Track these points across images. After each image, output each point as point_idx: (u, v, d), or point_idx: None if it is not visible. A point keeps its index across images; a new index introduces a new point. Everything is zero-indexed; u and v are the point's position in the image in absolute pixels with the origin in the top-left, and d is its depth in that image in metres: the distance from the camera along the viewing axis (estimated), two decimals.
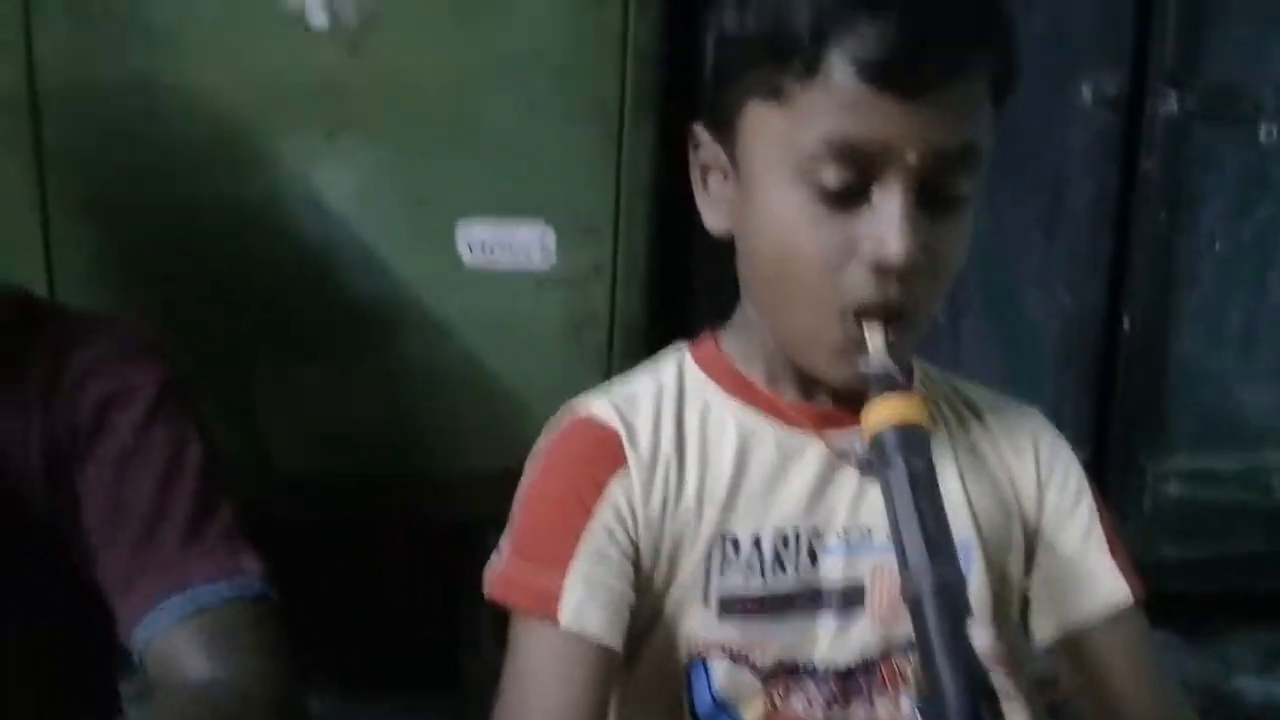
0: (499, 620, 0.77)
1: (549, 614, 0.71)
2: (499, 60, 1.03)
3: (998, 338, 1.43)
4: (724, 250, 0.76)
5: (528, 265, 1.07)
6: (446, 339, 1.08)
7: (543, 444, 0.79)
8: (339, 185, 1.04)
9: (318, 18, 1.00)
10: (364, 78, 1.02)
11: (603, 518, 0.73)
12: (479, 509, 1.12)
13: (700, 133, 0.75)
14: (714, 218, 0.76)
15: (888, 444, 0.67)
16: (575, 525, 0.73)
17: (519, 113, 1.04)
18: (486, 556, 1.08)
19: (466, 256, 1.07)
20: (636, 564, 0.74)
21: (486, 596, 0.76)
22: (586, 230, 1.08)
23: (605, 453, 0.75)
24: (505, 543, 0.77)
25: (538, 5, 1.03)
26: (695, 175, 0.77)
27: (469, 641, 1.21)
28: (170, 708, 0.67)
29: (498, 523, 1.13)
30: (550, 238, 1.07)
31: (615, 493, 0.74)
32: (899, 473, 0.66)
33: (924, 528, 0.64)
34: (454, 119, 1.04)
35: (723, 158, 0.74)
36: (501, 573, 0.75)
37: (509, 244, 1.07)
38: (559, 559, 0.72)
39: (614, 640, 0.72)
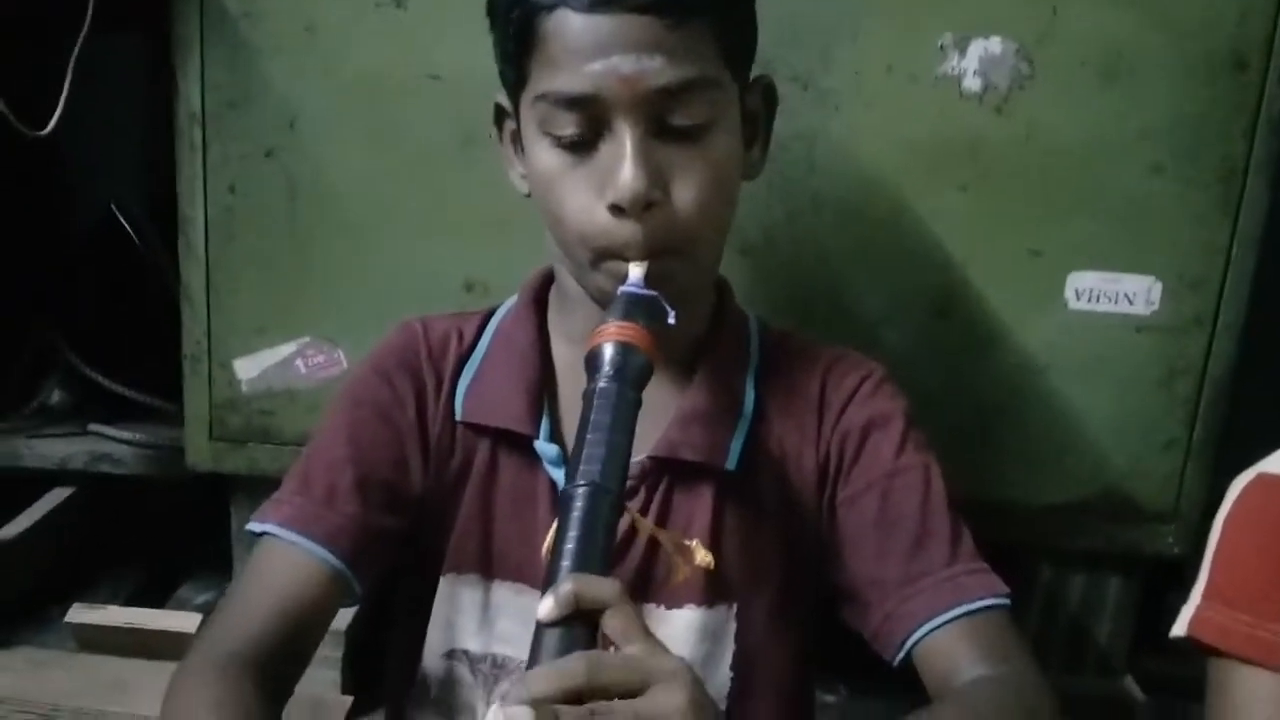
0: None
1: (1272, 663, 0.80)
2: (1133, 126, 1.10)
3: None
4: None
5: (1129, 311, 1.15)
6: (1044, 373, 1.17)
7: (1240, 501, 0.87)
8: (964, 233, 1.14)
9: (972, 83, 1.10)
10: (1004, 137, 1.10)
11: None
12: (1040, 537, 1.23)
13: None
14: None
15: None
16: None
17: (1144, 175, 1.11)
18: (1044, 582, 1.20)
19: (1073, 302, 1.15)
20: None
21: (1185, 635, 0.85)
22: (1192, 284, 1.13)
23: None
24: (1201, 590, 0.86)
25: (1175, 76, 1.08)
26: None
27: None
28: (981, 696, 0.76)
29: (1055, 551, 1.22)
30: (1157, 289, 1.14)
31: None
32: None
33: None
34: (1081, 179, 1.11)
35: None
36: (1207, 617, 0.85)
37: (1115, 293, 1.14)
38: (1274, 612, 0.81)
39: None
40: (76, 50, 1.16)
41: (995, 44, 1.09)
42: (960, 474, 1.12)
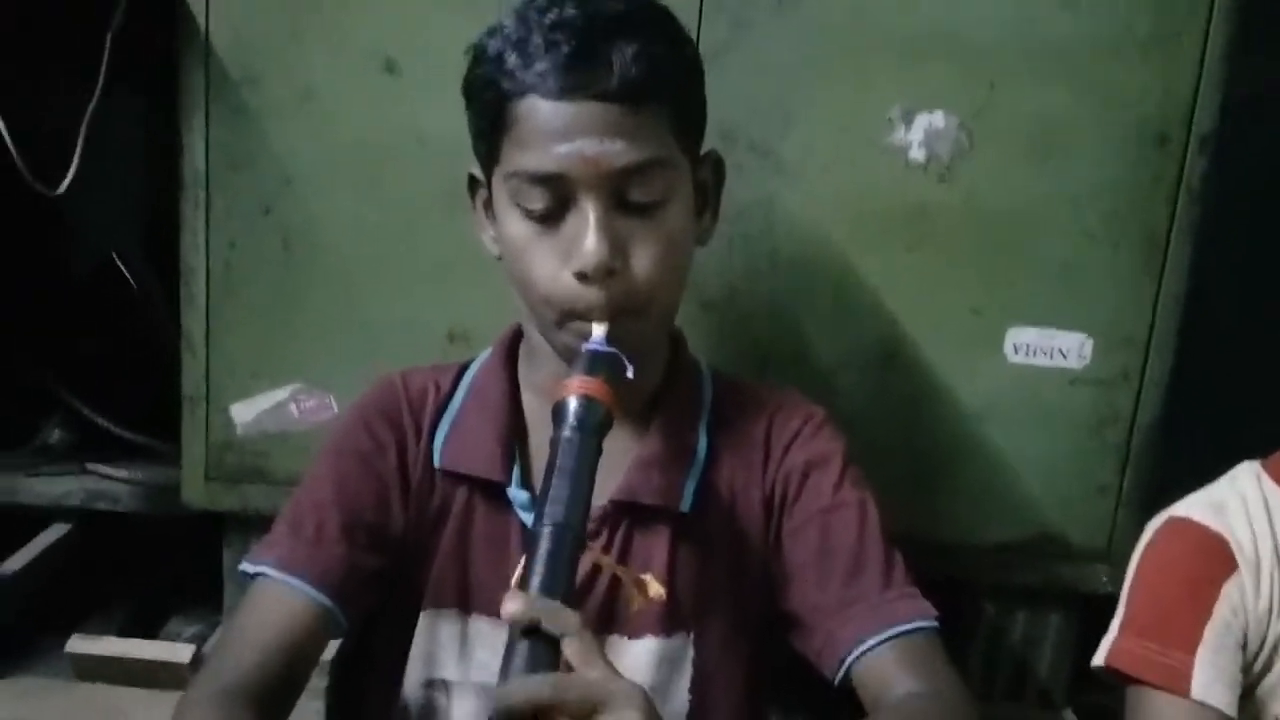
0: None
1: (1180, 689, 0.88)
2: (1065, 194, 1.19)
3: None
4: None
5: (1064, 365, 1.24)
6: (985, 422, 1.26)
7: (1153, 542, 0.96)
8: (910, 290, 1.23)
9: (917, 153, 1.20)
10: (947, 203, 1.19)
11: (1221, 612, 0.90)
12: (983, 574, 1.31)
13: None
14: None
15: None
16: (1200, 616, 0.90)
17: (1076, 240, 1.20)
18: (987, 618, 1.28)
19: (1011, 356, 1.24)
20: (1243, 652, 0.91)
21: (1104, 664, 0.94)
22: (1122, 340, 1.22)
23: (1217, 556, 0.91)
24: (1119, 623, 0.95)
25: (1103, 148, 1.18)
26: None
27: None
28: (907, 710, 0.84)
29: (998, 588, 1.30)
30: (1089, 345, 1.23)
31: (1231, 591, 0.90)
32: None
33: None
34: (1018, 242, 1.20)
35: None
36: (1123, 648, 0.93)
37: (1050, 348, 1.23)
38: (1186, 643, 0.89)
39: (1235, 713, 0.88)
40: (90, 112, 1.24)
41: (939, 117, 1.18)
42: (907, 515, 1.22)
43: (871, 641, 0.88)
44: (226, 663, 0.86)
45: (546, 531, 0.73)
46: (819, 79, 1.19)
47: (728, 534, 0.95)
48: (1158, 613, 0.92)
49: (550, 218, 0.85)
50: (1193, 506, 0.95)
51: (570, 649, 0.69)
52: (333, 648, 1.34)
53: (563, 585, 0.72)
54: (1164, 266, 1.20)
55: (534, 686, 0.66)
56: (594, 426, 0.79)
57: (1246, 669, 0.90)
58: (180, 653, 1.31)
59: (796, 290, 1.24)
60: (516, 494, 0.93)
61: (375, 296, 1.26)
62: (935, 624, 0.90)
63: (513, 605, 0.69)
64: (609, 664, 0.70)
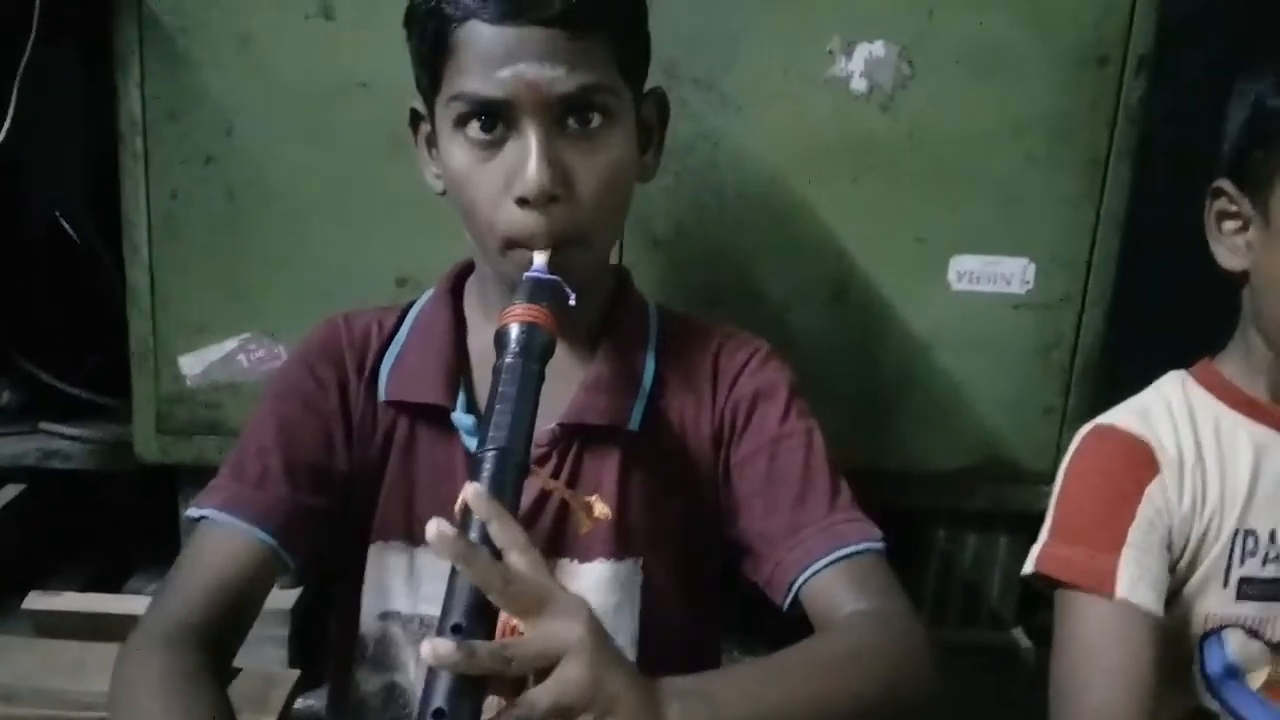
0: None
1: (1105, 589, 0.90)
2: (1006, 119, 1.20)
3: None
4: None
5: (1007, 290, 1.25)
6: (932, 350, 1.27)
7: (1078, 449, 0.98)
8: (856, 222, 1.24)
9: (859, 83, 1.20)
10: (890, 133, 1.20)
11: (1145, 513, 0.92)
12: (935, 501, 1.33)
13: (1224, 185, 0.92)
14: (1229, 258, 0.93)
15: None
16: (1123, 518, 0.92)
17: (1018, 165, 1.21)
18: (939, 544, 1.31)
19: (955, 283, 1.25)
20: (1168, 552, 0.93)
21: (1034, 572, 0.96)
22: (1063, 264, 1.24)
23: (1140, 459, 0.93)
24: (1047, 530, 0.97)
25: (1043, 72, 1.19)
26: (1210, 220, 0.93)
27: None
28: (853, 627, 0.85)
29: (949, 514, 1.32)
30: (1031, 270, 1.24)
31: (1154, 492, 0.92)
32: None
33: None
34: (962, 169, 1.21)
35: (1248, 209, 0.90)
36: (1049, 553, 0.95)
37: (993, 274, 1.24)
38: (1110, 544, 0.91)
39: (1160, 611, 0.90)
40: (23, 63, 1.22)
41: (879, 47, 1.19)
42: (859, 446, 1.24)
43: (818, 564, 0.89)
44: (171, 604, 0.87)
45: (489, 456, 0.74)
46: (759, 13, 1.19)
47: (677, 461, 0.96)
48: (1083, 517, 0.94)
49: (493, 144, 0.85)
50: (1118, 414, 0.97)
51: (516, 562, 0.69)
52: (290, 597, 1.35)
53: (507, 509, 0.73)
54: (1104, 189, 1.22)
55: (485, 567, 0.66)
56: (536, 352, 0.79)
57: (1172, 568, 0.92)
58: (139, 605, 1.29)
59: (744, 225, 1.24)
60: (461, 419, 0.93)
61: (321, 243, 1.26)
62: (880, 545, 0.91)
63: (466, 494, 0.69)
64: (554, 578, 0.71)
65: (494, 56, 0.83)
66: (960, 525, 1.36)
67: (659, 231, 1.24)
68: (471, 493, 0.70)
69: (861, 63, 1.19)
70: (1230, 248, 0.93)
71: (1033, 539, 0.98)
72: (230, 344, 1.29)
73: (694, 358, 0.98)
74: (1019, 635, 1.36)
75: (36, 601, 1.32)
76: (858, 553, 0.90)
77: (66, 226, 1.59)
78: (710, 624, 1.04)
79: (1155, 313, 1.41)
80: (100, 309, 1.47)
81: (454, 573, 0.69)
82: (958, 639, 1.35)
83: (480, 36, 0.83)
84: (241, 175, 1.24)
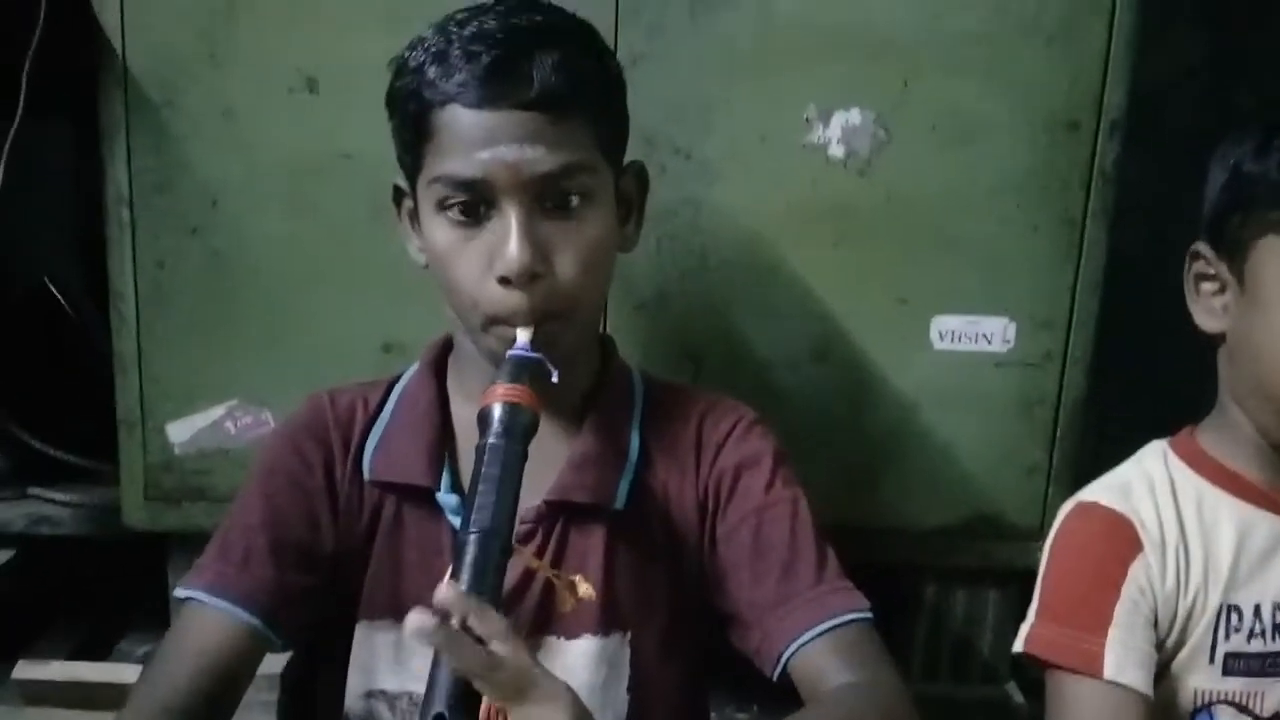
0: None
1: (1093, 671, 0.91)
2: (982, 183, 1.22)
3: None
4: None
5: (989, 349, 1.26)
6: (916, 409, 1.28)
7: (1061, 528, 0.99)
8: (838, 284, 1.25)
9: (836, 150, 1.22)
10: (869, 197, 1.22)
11: (1129, 592, 0.92)
12: (923, 558, 1.34)
13: (1202, 248, 0.93)
14: (1207, 319, 0.94)
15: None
16: (1108, 598, 0.92)
17: (995, 227, 1.23)
18: (929, 600, 1.31)
19: (938, 343, 1.26)
20: (1154, 629, 0.93)
21: (1023, 653, 0.96)
22: (1043, 322, 1.25)
23: (1123, 537, 0.94)
24: (1034, 609, 0.97)
25: (1016, 136, 1.21)
26: (1189, 282, 0.95)
27: None
28: (841, 701, 0.85)
29: (938, 570, 1.33)
30: (1012, 329, 1.25)
31: (1137, 571, 0.92)
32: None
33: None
34: (940, 231, 1.23)
35: (1225, 273, 0.91)
36: (1038, 634, 0.95)
37: (975, 333, 1.26)
38: (1096, 625, 0.92)
39: (1150, 691, 0.91)
40: (11, 136, 1.24)
41: (855, 115, 1.21)
42: (845, 505, 1.24)
43: (806, 636, 0.89)
44: (159, 685, 0.87)
45: (473, 538, 0.75)
46: (736, 82, 1.20)
47: (663, 534, 0.96)
48: (1068, 597, 0.95)
49: (473, 223, 0.87)
50: (1099, 490, 0.98)
51: (499, 650, 0.70)
52: (284, 661, 1.35)
53: (489, 592, 0.73)
54: (1081, 249, 1.23)
55: (469, 655, 0.67)
56: (519, 432, 0.80)
57: (1159, 646, 0.93)
58: (127, 674, 1.30)
59: (726, 290, 1.25)
60: (446, 499, 0.94)
61: (307, 312, 1.27)
62: (868, 615, 0.92)
63: (441, 595, 0.70)
64: (538, 662, 0.72)
65: (474, 140, 0.84)
66: (949, 581, 1.36)
67: (642, 296, 1.25)
68: (448, 593, 0.70)
69: (838, 130, 1.21)
70: (1207, 309, 0.94)
71: (1023, 593, 0.98)
72: (218, 411, 1.29)
73: (678, 428, 0.99)
74: (1012, 690, 1.36)
75: (25, 671, 1.32)
76: (846, 623, 0.90)
77: (55, 294, 1.60)
78: (699, 691, 1.04)
79: (1139, 368, 1.42)
80: (90, 374, 1.48)
81: (436, 661, 0.70)
82: (951, 695, 1.35)
83: (460, 121, 0.85)
84: (227, 245, 1.26)
